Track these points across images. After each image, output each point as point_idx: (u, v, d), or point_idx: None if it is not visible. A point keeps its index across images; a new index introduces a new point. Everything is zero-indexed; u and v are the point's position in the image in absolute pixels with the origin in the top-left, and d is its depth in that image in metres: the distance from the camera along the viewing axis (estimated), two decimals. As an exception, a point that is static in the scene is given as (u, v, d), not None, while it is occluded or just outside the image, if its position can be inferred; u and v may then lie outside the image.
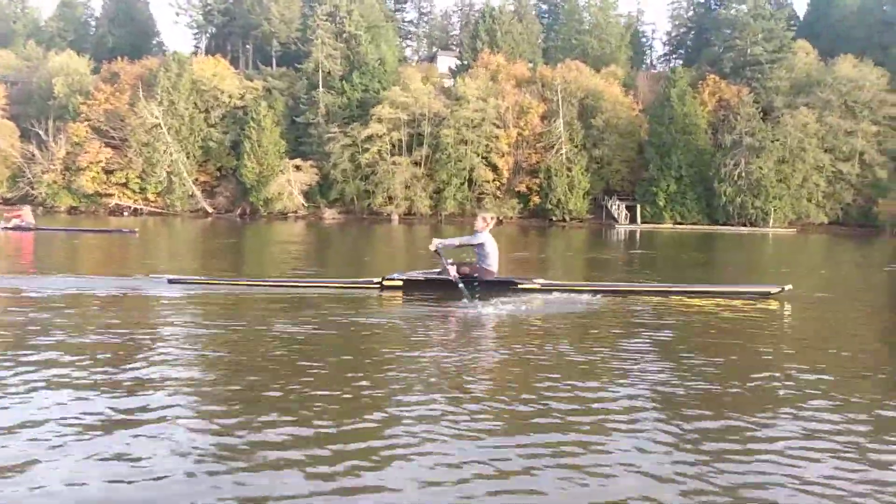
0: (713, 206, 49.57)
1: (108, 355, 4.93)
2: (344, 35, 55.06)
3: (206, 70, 52.85)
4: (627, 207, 51.31)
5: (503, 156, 51.59)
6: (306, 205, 52.15)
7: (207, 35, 62.26)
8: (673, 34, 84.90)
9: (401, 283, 8.37)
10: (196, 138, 52.28)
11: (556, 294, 8.27)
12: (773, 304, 8.07)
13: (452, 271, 8.06)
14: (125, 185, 51.17)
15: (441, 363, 4.86)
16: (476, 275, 8.19)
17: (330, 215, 50.64)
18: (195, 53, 60.10)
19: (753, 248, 25.05)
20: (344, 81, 53.87)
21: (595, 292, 8.40)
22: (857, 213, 50.11)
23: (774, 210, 48.59)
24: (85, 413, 3.62)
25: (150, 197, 51.66)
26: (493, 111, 50.33)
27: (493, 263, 8.31)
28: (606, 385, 4.32)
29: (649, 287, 8.88)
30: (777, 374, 4.71)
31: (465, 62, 59.87)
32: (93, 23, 69.09)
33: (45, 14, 71.92)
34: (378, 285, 8.41)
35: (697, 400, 4.09)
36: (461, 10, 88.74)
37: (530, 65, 58.43)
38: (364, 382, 4.31)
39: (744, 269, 15.43)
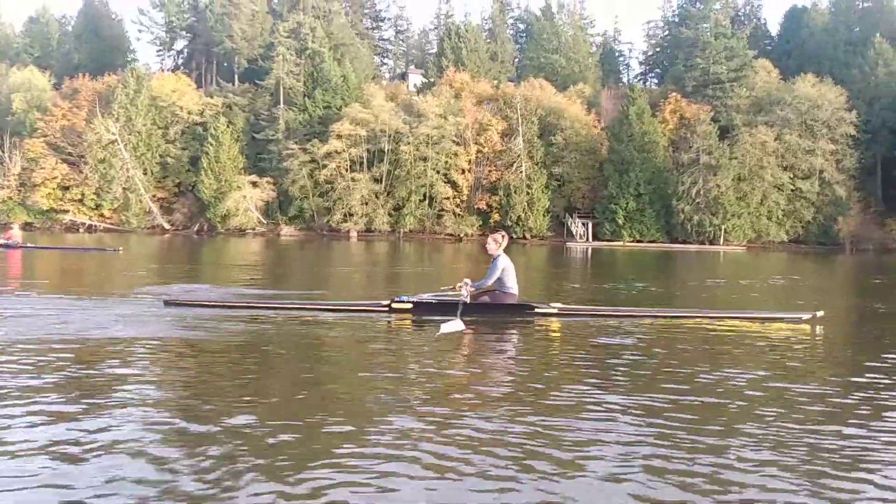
0: (672, 223, 49.99)
1: (99, 377, 4.78)
2: (307, 52, 55.68)
3: (165, 86, 53.34)
4: (587, 225, 51.65)
5: (463, 173, 52.06)
6: (265, 221, 52.41)
7: (171, 53, 62.87)
8: (649, 53, 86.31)
9: (410, 305, 8.08)
10: (154, 154, 52.68)
11: (573, 319, 7.98)
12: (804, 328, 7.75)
13: (464, 292, 7.72)
14: (80, 201, 51.42)
15: (450, 389, 4.65)
16: (499, 301, 7.95)
17: (287, 232, 50.87)
18: (162, 70, 60.62)
19: (701, 267, 24.94)
20: (306, 98, 54.45)
21: (616, 317, 8.12)
22: (817, 231, 50.56)
23: (733, 228, 48.98)
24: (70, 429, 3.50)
25: (106, 213, 51.86)
26: (452, 128, 50.84)
27: (513, 286, 8.02)
28: (629, 417, 4.00)
29: (672, 312, 8.45)
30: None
31: (431, 79, 60.56)
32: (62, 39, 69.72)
33: (18, 30, 72.88)
34: (387, 308, 8.11)
35: (709, 430, 3.79)
36: (438, 28, 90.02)
37: (495, 82, 59.08)
38: (367, 406, 4.15)
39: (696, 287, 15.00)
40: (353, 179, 50.55)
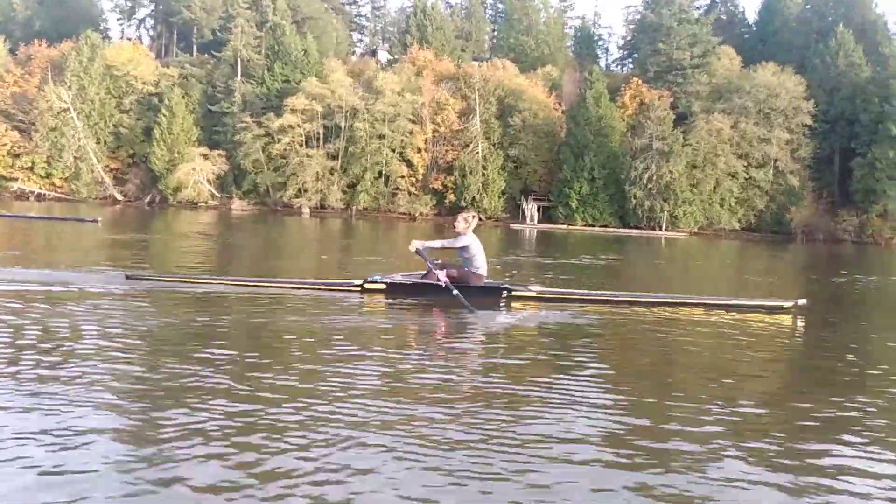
0: (625, 209, 50.47)
1: (62, 354, 4.61)
2: (267, 24, 55.66)
3: (121, 55, 53.27)
4: (542, 208, 52.15)
5: (419, 152, 52.39)
6: (219, 195, 52.67)
7: (132, 22, 62.70)
8: (628, 38, 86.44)
9: (384, 286, 7.86)
10: (107, 124, 52.78)
11: (552, 303, 7.80)
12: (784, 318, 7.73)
13: (442, 276, 7.53)
14: (31, 169, 51.53)
15: (420, 373, 4.56)
16: (464, 279, 7.73)
17: (239, 206, 51.16)
18: (122, 39, 60.44)
19: (631, 252, 24.92)
20: (266, 71, 54.52)
21: (598, 302, 8.00)
22: (770, 220, 51.22)
23: (684, 215, 49.54)
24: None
25: (57, 182, 51.99)
26: (408, 106, 51.03)
27: (482, 266, 7.85)
28: (602, 407, 3.93)
29: (655, 298, 8.27)
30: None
31: (395, 57, 60.66)
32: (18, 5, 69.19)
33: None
34: (359, 288, 7.90)
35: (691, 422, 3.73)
36: (415, 5, 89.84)
37: (458, 62, 59.20)
38: (333, 388, 4.04)
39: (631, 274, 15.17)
40: (306, 155, 50.81)
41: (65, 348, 4.82)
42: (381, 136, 51.05)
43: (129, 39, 59.14)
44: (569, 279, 12.02)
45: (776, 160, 50.83)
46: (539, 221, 51.62)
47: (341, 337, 5.61)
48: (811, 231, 49.66)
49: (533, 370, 4.83)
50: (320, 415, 3.52)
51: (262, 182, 51.98)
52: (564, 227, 48.41)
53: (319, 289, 8.11)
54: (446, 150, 52.70)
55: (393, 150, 51.54)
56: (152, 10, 60.87)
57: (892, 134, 47.80)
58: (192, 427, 3.25)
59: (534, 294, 7.90)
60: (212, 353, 4.79)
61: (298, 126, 50.86)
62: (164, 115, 51.07)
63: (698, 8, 74.44)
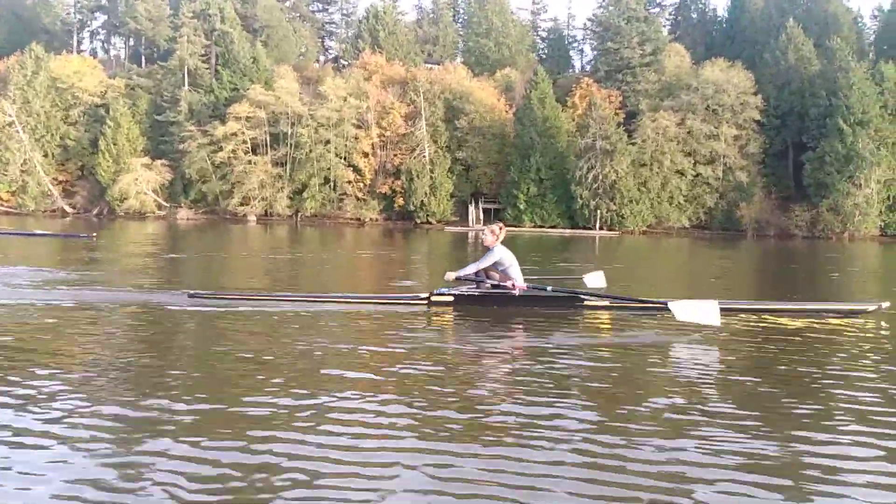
0: (573, 209, 50.86)
1: (125, 372, 4.68)
2: (215, 33, 56.53)
3: (66, 68, 54.19)
4: (493, 211, 52.67)
5: (366, 156, 53.00)
6: (167, 205, 53.38)
7: (80, 33, 63.66)
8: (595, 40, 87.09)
9: (451, 298, 7.80)
10: (54, 137, 53.63)
11: (624, 311, 7.67)
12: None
13: (517, 283, 7.59)
14: (-24, 183, 52.37)
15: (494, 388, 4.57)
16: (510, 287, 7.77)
17: (185, 216, 51.85)
18: (68, 52, 61.39)
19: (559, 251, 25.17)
20: (214, 80, 55.38)
21: (653, 309, 7.61)
22: (721, 217, 51.53)
23: (631, 214, 49.89)
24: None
25: (3, 196, 52.82)
26: (352, 111, 51.69)
27: (518, 276, 7.83)
28: (677, 421, 3.81)
29: (737, 305, 8.01)
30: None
31: (347, 62, 61.43)
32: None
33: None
34: (425, 301, 7.85)
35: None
36: (367, 11, 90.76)
37: (410, 66, 59.88)
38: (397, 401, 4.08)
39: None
40: (250, 162, 51.48)
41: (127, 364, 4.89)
42: (326, 142, 51.73)
43: (83, 52, 59.98)
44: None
45: (724, 156, 51.16)
46: (486, 224, 52.04)
47: (404, 350, 5.59)
48: (761, 227, 49.95)
49: (605, 382, 4.71)
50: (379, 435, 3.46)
51: (209, 191, 52.72)
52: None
53: (385, 303, 8.03)
54: (394, 155, 53.33)
55: (338, 156, 52.18)
56: (104, 22, 61.76)
57: (840, 127, 48.12)
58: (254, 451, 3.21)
59: (607, 303, 7.76)
60: (267, 376, 4.70)
61: (242, 133, 51.63)
62: (109, 127, 51.97)
63: (654, 5, 75.70)
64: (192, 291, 8.16)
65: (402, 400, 4.08)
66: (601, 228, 49.73)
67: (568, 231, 47.77)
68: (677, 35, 75.19)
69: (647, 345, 6.10)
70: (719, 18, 77.68)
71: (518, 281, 7.74)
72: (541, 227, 50.73)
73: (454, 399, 4.14)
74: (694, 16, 79.01)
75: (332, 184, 52.47)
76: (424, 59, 68.58)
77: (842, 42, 51.67)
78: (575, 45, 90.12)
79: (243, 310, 7.43)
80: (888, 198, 49.58)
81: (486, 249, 7.86)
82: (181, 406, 3.84)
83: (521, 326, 7.02)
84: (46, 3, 64.09)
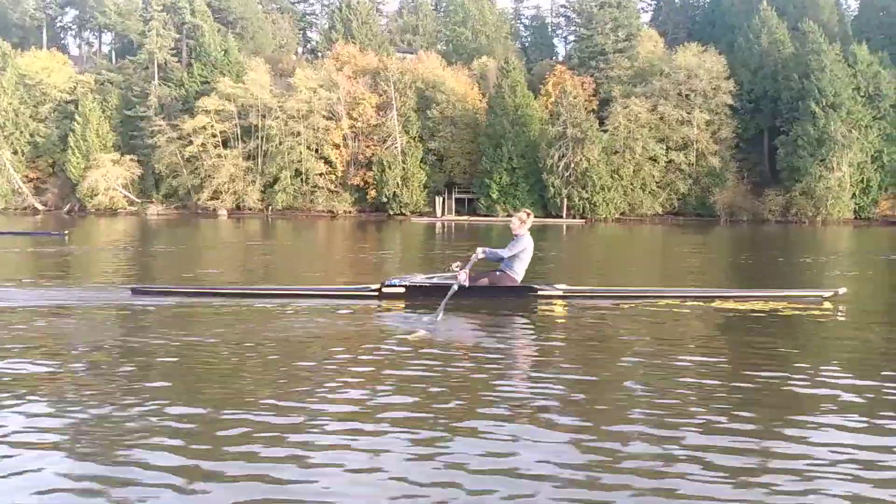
0: (546, 198, 50.90)
1: (75, 368, 4.72)
2: (185, 26, 56.45)
3: (34, 64, 54.15)
4: (461, 200, 52.79)
5: (337, 148, 52.98)
6: (139, 200, 53.46)
7: (51, 28, 63.54)
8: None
9: (403, 289, 7.73)
10: (23, 134, 53.60)
11: (580, 300, 7.76)
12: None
13: (462, 276, 7.38)
14: (-54, 182, 52.45)
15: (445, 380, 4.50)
16: (496, 283, 7.68)
17: (155, 211, 51.93)
18: (40, 47, 61.31)
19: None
20: (185, 73, 55.35)
21: (626, 298, 7.98)
22: (695, 203, 51.60)
23: (605, 201, 49.94)
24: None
25: (-27, 194, 52.91)
26: (321, 102, 51.65)
27: (521, 271, 7.77)
28: (640, 410, 3.85)
29: (686, 293, 8.29)
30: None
31: (320, 53, 61.33)
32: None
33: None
34: (376, 292, 7.77)
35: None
36: (368, 1, 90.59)
37: (383, 56, 59.75)
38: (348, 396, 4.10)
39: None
40: (219, 156, 51.51)
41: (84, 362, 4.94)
42: (296, 134, 51.73)
43: (54, 48, 59.82)
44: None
45: (697, 142, 51.18)
46: (465, 214, 52.18)
47: (355, 344, 5.57)
48: (735, 212, 50.03)
49: (564, 373, 4.75)
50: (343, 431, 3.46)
51: (180, 185, 52.80)
52: (465, 218, 49.07)
53: (335, 296, 7.99)
54: (366, 146, 53.31)
55: (309, 148, 52.19)
56: (75, 17, 61.74)
57: (812, 110, 48.13)
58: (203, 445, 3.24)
59: (560, 293, 7.78)
60: (222, 368, 4.76)
61: (212, 127, 51.65)
62: (78, 123, 51.99)
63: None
64: (134, 286, 8.06)
65: (351, 395, 4.07)
66: (572, 217, 49.80)
67: (538, 221, 47.77)
68: (659, 20, 75.37)
69: (602, 335, 6.12)
70: (701, 3, 77.79)
71: (519, 275, 7.70)
72: (510, 216, 50.72)
73: (404, 392, 4.14)
74: (676, 0, 79.01)
75: (303, 176, 52.51)
76: (403, 48, 68.59)
77: (814, 25, 51.57)
78: (560, 32, 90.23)
79: (189, 304, 7.41)
80: (861, 181, 49.64)
81: (514, 236, 7.78)
82: (131, 405, 3.84)
83: (469, 318, 6.95)
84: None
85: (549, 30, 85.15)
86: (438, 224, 43.22)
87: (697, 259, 17.16)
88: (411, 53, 64.03)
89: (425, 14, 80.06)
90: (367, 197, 53.18)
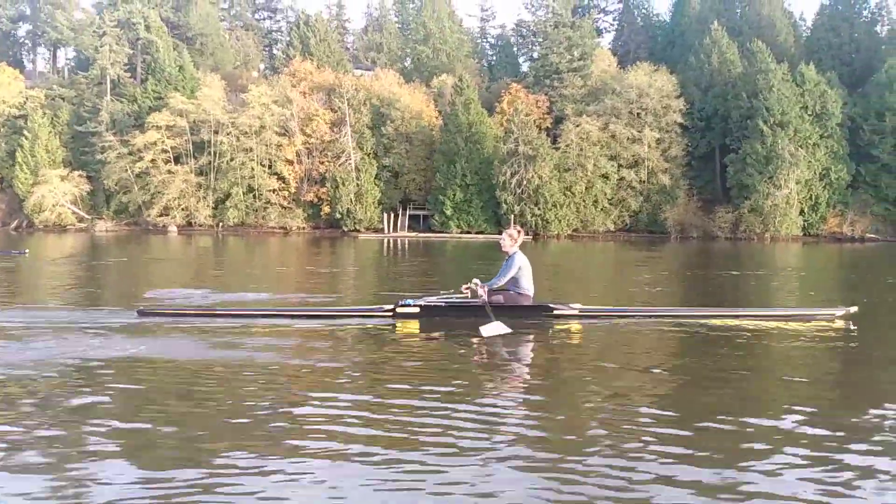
0: (499, 214, 51.25)
1: (76, 391, 4.72)
2: (140, 42, 56.43)
3: (-16, 78, 53.83)
4: (416, 217, 52.99)
5: (290, 164, 53.03)
6: (89, 217, 53.04)
7: (4, 43, 63.23)
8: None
9: (417, 309, 7.69)
10: (-30, 149, 53.08)
11: (595, 320, 7.80)
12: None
13: (481, 292, 7.45)
14: None
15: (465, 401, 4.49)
16: (513, 302, 7.66)
17: (104, 228, 51.50)
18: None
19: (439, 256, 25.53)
20: (139, 89, 55.24)
21: (641, 318, 8.06)
22: (647, 220, 52.20)
23: (557, 218, 50.37)
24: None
25: (-83, 210, 52.18)
26: (274, 118, 51.76)
27: (529, 287, 7.74)
28: (659, 428, 3.89)
29: (700, 312, 8.29)
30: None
31: (276, 69, 61.56)
32: None
33: None
34: (390, 313, 7.73)
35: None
36: (334, 19, 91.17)
37: (340, 73, 60.11)
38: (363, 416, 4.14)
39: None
40: (169, 172, 51.33)
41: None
42: (248, 150, 51.72)
43: (4, 63, 59.41)
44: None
45: (647, 160, 51.89)
46: (421, 230, 52.38)
47: (371, 364, 5.61)
48: (685, 229, 50.68)
49: (579, 392, 4.79)
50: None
51: (130, 201, 52.48)
52: (414, 234, 49.30)
53: (349, 316, 7.93)
54: (320, 162, 53.42)
55: (262, 164, 52.19)
56: (28, 32, 61.51)
57: (760, 129, 49.08)
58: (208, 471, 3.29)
59: (576, 312, 7.80)
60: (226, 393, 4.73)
61: (163, 143, 51.48)
62: (27, 138, 51.61)
63: (598, 10, 76.87)
64: (141, 308, 8.00)
65: (367, 416, 4.10)
66: (527, 234, 50.04)
67: (482, 237, 48.11)
68: (621, 40, 76.61)
69: (617, 355, 6.08)
70: (662, 23, 79.25)
71: (529, 291, 7.69)
72: (468, 232, 51.11)
73: (419, 414, 4.16)
74: (639, 21, 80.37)
75: (255, 192, 52.46)
76: (367, 66, 69.03)
77: (762, 45, 52.76)
78: (526, 51, 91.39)
79: (197, 325, 7.39)
80: (810, 198, 50.56)
81: (506, 255, 7.80)
82: (144, 425, 3.94)
83: (488, 338, 6.91)
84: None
85: (515, 49, 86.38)
86: (386, 241, 43.31)
87: (657, 275, 17.41)
88: (368, 70, 64.51)
89: (390, 32, 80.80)
90: (321, 213, 53.23)
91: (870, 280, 16.50)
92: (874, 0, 60.67)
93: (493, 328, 6.59)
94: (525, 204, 50.21)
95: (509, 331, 6.48)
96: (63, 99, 55.49)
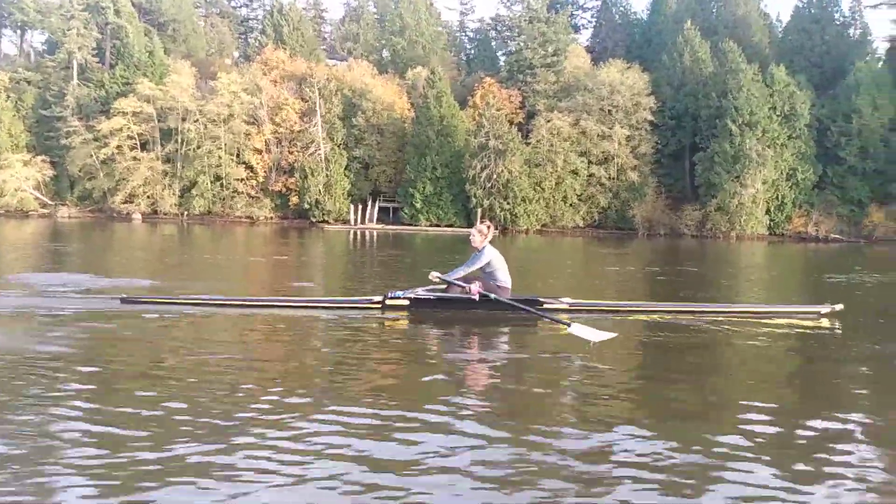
0: (469, 208, 51.27)
1: (65, 379, 4.58)
2: (109, 26, 55.69)
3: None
4: (385, 209, 52.82)
5: (259, 153, 52.64)
6: (52, 203, 52.34)
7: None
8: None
9: (406, 301, 7.63)
10: (-68, 132, 52.11)
11: (585, 314, 7.60)
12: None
13: (474, 287, 7.31)
14: None
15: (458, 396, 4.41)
16: (491, 293, 7.46)
17: (66, 214, 50.87)
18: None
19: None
20: (106, 74, 54.54)
21: (631, 312, 8.04)
22: (616, 217, 52.47)
23: (526, 213, 50.49)
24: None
25: None
26: (242, 107, 51.34)
27: (506, 279, 7.65)
28: (642, 428, 3.80)
29: (690, 308, 8.32)
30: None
31: (249, 57, 61.07)
32: None
33: None
34: (379, 305, 7.66)
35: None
36: (311, 9, 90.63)
37: (312, 63, 59.73)
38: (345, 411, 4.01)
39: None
40: (134, 159, 50.78)
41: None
42: (216, 138, 51.26)
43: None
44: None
45: (617, 157, 52.14)
46: (391, 223, 52.26)
47: (359, 357, 5.48)
48: (653, 226, 51.03)
49: (568, 388, 4.75)
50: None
51: (95, 188, 51.85)
52: (381, 226, 49.15)
53: (336, 307, 7.84)
54: (289, 152, 53.08)
55: (229, 153, 51.76)
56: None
57: (729, 128, 49.47)
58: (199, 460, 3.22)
59: (566, 306, 7.71)
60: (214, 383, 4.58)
61: (129, 129, 50.88)
62: (-12, 122, 50.79)
63: (576, 7, 77.04)
64: (123, 296, 7.81)
65: (354, 410, 4.00)
66: (496, 228, 50.11)
67: (450, 230, 48.11)
68: (599, 38, 76.81)
69: (605, 350, 5.95)
70: (640, 21, 79.60)
71: (506, 283, 7.59)
72: (437, 225, 51.05)
73: (406, 408, 4.06)
74: (616, 18, 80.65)
75: (222, 181, 52.02)
76: (343, 56, 68.65)
77: (733, 45, 53.16)
78: (503, 46, 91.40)
79: (183, 314, 7.24)
80: (776, 198, 51.10)
81: (475, 250, 7.69)
82: (125, 415, 3.84)
83: (478, 332, 6.95)
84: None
85: (493, 43, 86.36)
86: (352, 233, 43.18)
87: (626, 271, 17.37)
88: (341, 61, 64.18)
89: (367, 23, 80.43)
90: (290, 203, 52.92)
91: (847, 280, 16.25)
92: (846, 4, 61.41)
93: (587, 332, 6.23)
94: (494, 198, 50.25)
95: (597, 340, 6.05)
96: (28, 83, 54.65)
